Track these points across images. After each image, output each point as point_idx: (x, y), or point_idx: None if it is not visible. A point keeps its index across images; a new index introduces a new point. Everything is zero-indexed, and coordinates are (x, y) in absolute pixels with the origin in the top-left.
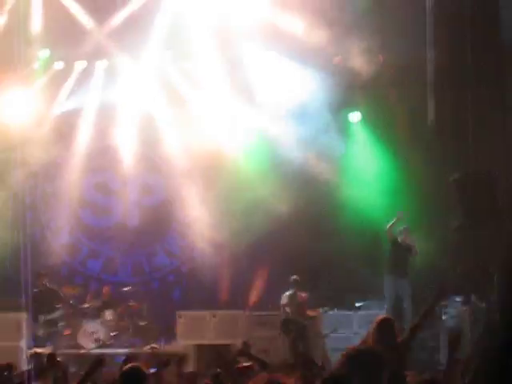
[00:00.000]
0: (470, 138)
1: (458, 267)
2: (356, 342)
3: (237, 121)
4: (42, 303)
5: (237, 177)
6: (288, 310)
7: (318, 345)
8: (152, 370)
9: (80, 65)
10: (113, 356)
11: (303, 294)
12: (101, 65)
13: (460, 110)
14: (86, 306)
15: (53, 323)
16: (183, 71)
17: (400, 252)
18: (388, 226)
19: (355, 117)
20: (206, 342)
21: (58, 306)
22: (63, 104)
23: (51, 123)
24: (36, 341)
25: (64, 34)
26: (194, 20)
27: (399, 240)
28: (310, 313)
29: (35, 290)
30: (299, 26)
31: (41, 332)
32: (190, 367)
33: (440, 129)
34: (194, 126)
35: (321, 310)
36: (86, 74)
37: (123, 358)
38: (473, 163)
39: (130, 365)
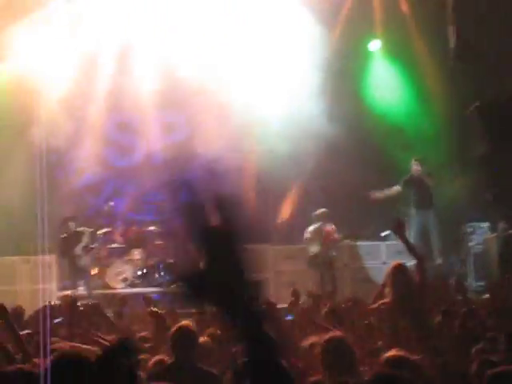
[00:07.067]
0: (493, 63)
1: (485, 194)
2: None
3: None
4: (70, 247)
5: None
6: (314, 244)
7: (346, 276)
8: None
9: None
10: (140, 295)
11: (330, 227)
12: None
13: (481, 35)
14: (113, 245)
15: (81, 265)
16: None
17: (418, 186)
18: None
19: (375, 45)
20: None
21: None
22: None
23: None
24: (65, 283)
25: None
26: None
27: (414, 175)
28: (338, 244)
29: (63, 235)
30: None
31: (70, 274)
32: None
33: (461, 55)
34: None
35: None
36: None
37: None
38: (496, 89)
39: (179, 325)
